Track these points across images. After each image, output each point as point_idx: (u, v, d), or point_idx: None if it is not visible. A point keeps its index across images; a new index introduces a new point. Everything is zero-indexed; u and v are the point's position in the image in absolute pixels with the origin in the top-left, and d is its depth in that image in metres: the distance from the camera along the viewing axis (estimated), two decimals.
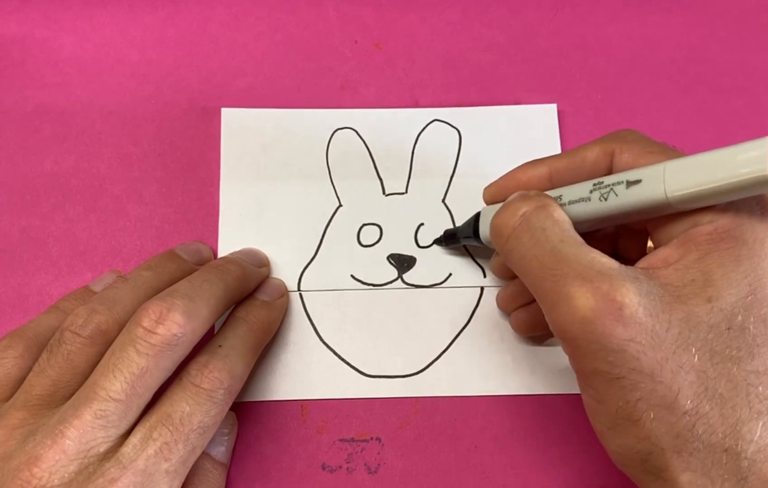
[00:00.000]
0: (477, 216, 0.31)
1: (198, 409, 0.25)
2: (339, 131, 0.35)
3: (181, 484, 0.25)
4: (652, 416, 0.22)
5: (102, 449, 0.23)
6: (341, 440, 0.31)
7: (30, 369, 0.26)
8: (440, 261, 0.33)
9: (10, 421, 0.24)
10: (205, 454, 0.28)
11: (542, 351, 0.32)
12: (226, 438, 0.29)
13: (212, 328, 0.31)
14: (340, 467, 0.30)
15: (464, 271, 0.33)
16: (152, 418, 0.24)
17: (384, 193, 0.34)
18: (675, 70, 0.38)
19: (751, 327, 0.22)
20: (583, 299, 0.22)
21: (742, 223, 0.23)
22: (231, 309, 0.30)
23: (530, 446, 0.31)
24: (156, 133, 0.35)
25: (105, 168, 0.34)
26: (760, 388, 0.22)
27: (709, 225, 0.23)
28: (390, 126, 0.36)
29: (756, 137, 0.39)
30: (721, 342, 0.22)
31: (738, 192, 0.21)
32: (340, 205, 0.34)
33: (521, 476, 0.31)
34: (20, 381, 0.26)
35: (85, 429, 0.23)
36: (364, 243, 0.34)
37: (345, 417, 0.31)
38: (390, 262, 0.33)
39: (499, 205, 0.27)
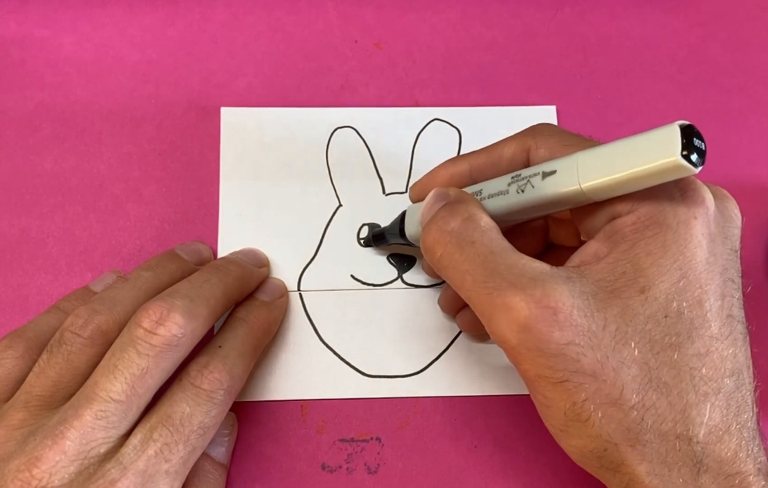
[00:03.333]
0: (403, 215, 0.31)
1: (198, 410, 0.25)
2: (339, 130, 0.35)
3: (181, 485, 0.25)
4: (600, 414, 0.22)
5: (102, 450, 0.23)
6: (341, 440, 0.31)
7: (30, 369, 0.26)
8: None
9: (10, 422, 0.24)
10: (205, 455, 0.28)
11: None
12: (226, 439, 0.29)
13: (212, 328, 0.30)
14: (340, 467, 0.30)
15: None
16: (152, 419, 0.24)
17: (384, 192, 0.34)
18: (675, 70, 0.38)
19: (686, 311, 0.22)
20: (517, 308, 0.22)
21: (663, 208, 0.23)
22: (231, 309, 0.30)
23: (530, 446, 0.31)
24: (156, 133, 0.35)
25: (105, 168, 0.34)
26: (704, 370, 0.22)
27: (632, 214, 0.23)
28: (390, 125, 0.35)
29: (756, 137, 0.39)
30: (659, 331, 0.22)
31: (651, 179, 0.21)
32: (340, 205, 0.34)
33: (521, 476, 0.31)
34: (20, 381, 0.26)
35: (85, 430, 0.23)
36: (364, 242, 0.34)
37: (345, 417, 0.31)
38: (390, 262, 0.33)
39: (421, 204, 0.27)
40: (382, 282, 0.33)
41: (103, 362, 0.24)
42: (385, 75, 0.37)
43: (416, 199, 0.30)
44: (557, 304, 0.22)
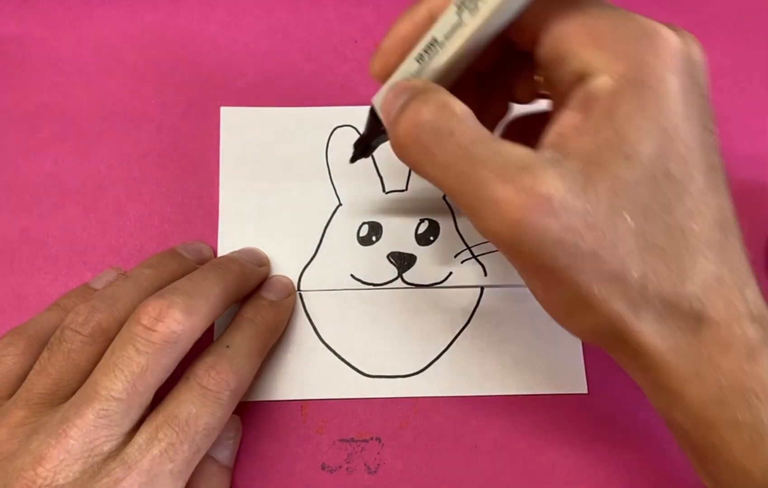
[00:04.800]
0: (372, 110, 0.28)
1: (204, 410, 0.25)
2: (338, 129, 0.35)
3: (184, 485, 0.25)
4: (604, 293, 0.22)
5: (106, 448, 0.23)
6: (341, 440, 0.31)
7: (31, 366, 0.26)
8: (440, 259, 0.33)
9: (12, 420, 0.24)
10: (209, 458, 0.28)
11: (542, 351, 0.32)
12: (231, 441, 0.29)
13: (212, 326, 0.30)
14: (340, 467, 0.30)
15: (464, 270, 0.33)
16: (158, 418, 0.24)
17: (384, 190, 0.34)
18: None
19: (673, 170, 0.22)
20: (509, 201, 0.21)
21: (637, 64, 0.22)
22: (238, 309, 0.30)
23: (530, 446, 0.31)
24: (156, 133, 0.35)
25: (105, 168, 0.34)
26: (695, 227, 0.22)
27: (604, 75, 0.22)
28: None
29: (756, 137, 0.39)
30: (649, 196, 0.22)
31: None
32: (340, 204, 0.34)
33: (521, 476, 0.30)
34: (21, 378, 0.25)
35: (88, 429, 0.23)
36: (363, 242, 0.34)
37: (345, 417, 0.31)
38: (390, 261, 0.33)
39: (386, 90, 0.26)
40: (382, 282, 0.33)
41: (103, 360, 0.24)
42: None
43: (384, 74, 0.27)
44: (550, 191, 0.21)
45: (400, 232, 0.34)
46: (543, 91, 0.28)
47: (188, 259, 0.30)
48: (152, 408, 0.25)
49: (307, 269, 0.33)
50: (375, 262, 0.33)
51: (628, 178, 0.22)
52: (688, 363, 0.23)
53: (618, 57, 0.22)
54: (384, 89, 0.27)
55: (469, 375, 0.32)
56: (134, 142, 0.35)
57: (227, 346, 0.27)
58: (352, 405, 0.31)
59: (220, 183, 0.34)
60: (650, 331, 0.22)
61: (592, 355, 0.32)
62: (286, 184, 0.34)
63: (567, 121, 0.23)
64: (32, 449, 0.23)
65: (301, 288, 0.33)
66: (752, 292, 0.23)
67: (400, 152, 0.24)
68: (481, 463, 0.31)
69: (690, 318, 0.22)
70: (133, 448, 0.23)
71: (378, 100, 0.27)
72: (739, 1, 0.40)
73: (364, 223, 0.34)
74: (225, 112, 0.35)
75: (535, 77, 0.27)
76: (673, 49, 0.23)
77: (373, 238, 0.33)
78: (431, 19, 0.25)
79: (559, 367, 0.32)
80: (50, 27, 0.36)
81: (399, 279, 0.33)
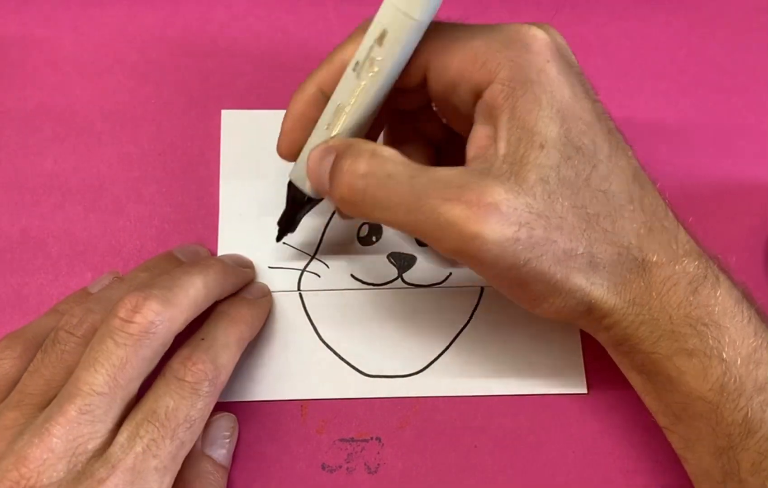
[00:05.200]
0: (290, 185, 0.30)
1: (183, 403, 0.25)
2: None
3: (172, 481, 0.24)
4: (563, 271, 0.24)
5: (90, 445, 0.23)
6: (341, 440, 0.31)
7: None
8: (440, 260, 0.33)
9: (3, 422, 0.24)
10: (206, 457, 0.28)
11: (542, 351, 0.32)
12: (228, 440, 0.29)
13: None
14: (340, 467, 0.30)
15: (464, 271, 0.33)
16: (138, 416, 0.24)
17: None
18: (675, 70, 0.38)
19: (581, 145, 0.24)
20: (462, 219, 0.23)
21: (519, 65, 0.24)
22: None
23: (530, 446, 0.31)
24: (156, 133, 0.35)
25: (105, 168, 0.34)
26: (613, 187, 0.25)
27: (495, 84, 0.24)
28: None
29: (755, 137, 0.39)
30: (570, 173, 0.24)
31: None
32: None
33: (521, 476, 0.30)
34: (17, 382, 0.25)
35: (71, 426, 0.23)
36: (363, 242, 0.34)
37: (345, 417, 0.31)
38: (390, 261, 0.33)
39: (303, 162, 0.28)
40: (382, 282, 0.33)
41: (84, 357, 0.24)
42: None
43: (291, 155, 0.29)
44: (494, 198, 0.23)
45: (400, 233, 0.34)
46: (451, 126, 0.30)
47: (184, 262, 0.30)
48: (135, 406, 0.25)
49: (308, 269, 0.33)
50: (375, 262, 0.33)
51: (549, 163, 0.24)
52: (643, 309, 0.25)
53: (499, 65, 0.24)
54: (300, 163, 0.28)
55: (468, 375, 0.32)
56: (134, 142, 0.35)
57: (202, 339, 0.27)
58: (352, 405, 0.31)
59: (220, 183, 0.34)
60: (607, 292, 0.25)
61: (592, 355, 0.32)
62: (286, 184, 0.34)
63: (480, 133, 0.25)
64: (16, 449, 0.22)
65: (301, 288, 0.33)
66: (683, 235, 0.26)
67: (348, 208, 0.26)
68: (481, 463, 0.31)
69: (635, 267, 0.25)
70: (115, 447, 0.23)
71: (295, 174, 0.29)
72: (739, 1, 0.40)
73: (364, 224, 0.34)
74: (226, 115, 0.35)
75: (434, 107, 0.30)
76: (542, 41, 0.25)
77: (373, 239, 0.34)
78: (320, 92, 0.27)
79: (559, 367, 0.32)
80: (50, 27, 0.36)
81: (399, 280, 0.33)
